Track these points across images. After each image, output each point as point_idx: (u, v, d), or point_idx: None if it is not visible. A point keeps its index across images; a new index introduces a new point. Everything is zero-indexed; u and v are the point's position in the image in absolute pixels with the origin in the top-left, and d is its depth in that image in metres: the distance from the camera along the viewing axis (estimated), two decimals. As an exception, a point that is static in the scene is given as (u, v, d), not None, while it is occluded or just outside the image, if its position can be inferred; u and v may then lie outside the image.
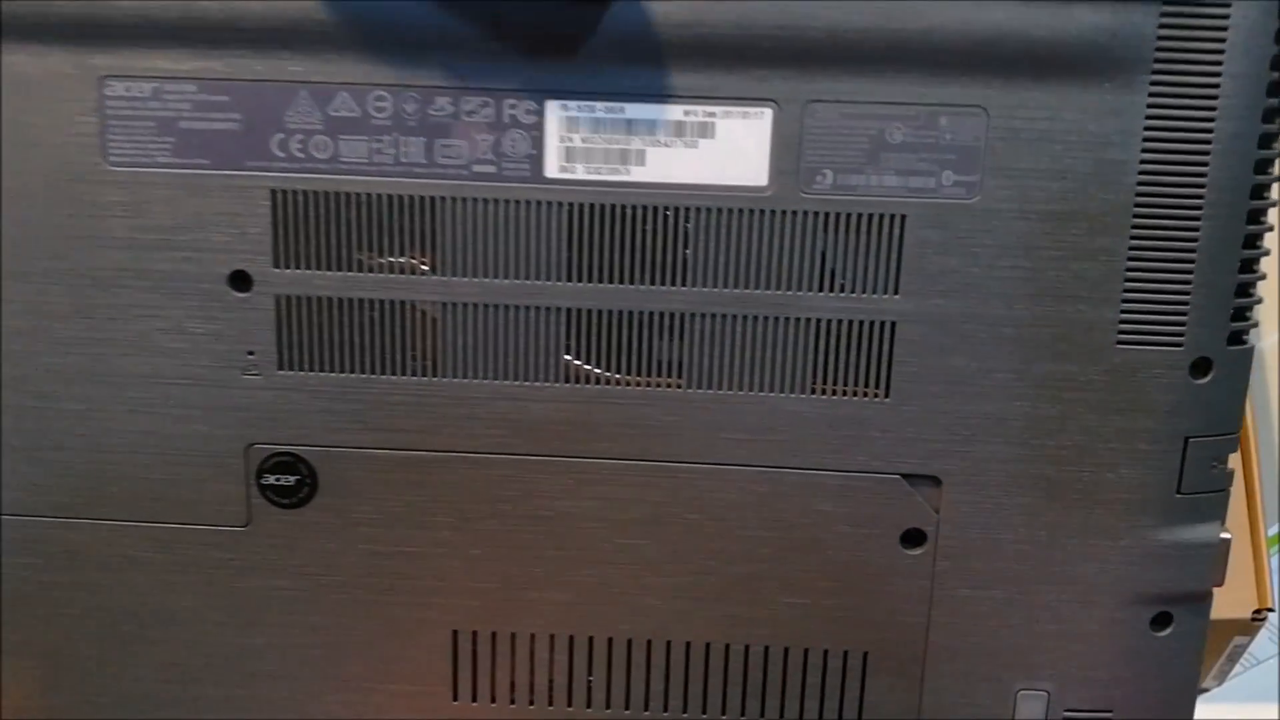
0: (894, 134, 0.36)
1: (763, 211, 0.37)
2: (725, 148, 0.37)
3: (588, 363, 0.39)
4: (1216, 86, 0.36)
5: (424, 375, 0.39)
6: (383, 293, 0.38)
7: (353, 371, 0.39)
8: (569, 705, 0.42)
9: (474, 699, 0.42)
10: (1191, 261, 0.37)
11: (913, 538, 0.40)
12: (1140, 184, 0.36)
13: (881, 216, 0.37)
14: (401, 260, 0.38)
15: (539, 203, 0.37)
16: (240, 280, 0.39)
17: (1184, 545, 0.39)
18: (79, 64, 0.37)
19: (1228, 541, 0.40)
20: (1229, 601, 0.50)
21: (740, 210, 0.37)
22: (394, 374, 0.39)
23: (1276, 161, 0.37)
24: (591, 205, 0.37)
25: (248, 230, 0.38)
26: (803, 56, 0.36)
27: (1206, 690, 0.59)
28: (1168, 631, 0.40)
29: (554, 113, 0.37)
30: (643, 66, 0.36)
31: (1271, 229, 0.38)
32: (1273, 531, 0.54)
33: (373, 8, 0.36)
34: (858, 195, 0.37)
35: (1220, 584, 0.40)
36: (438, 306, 0.38)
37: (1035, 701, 0.41)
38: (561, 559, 0.41)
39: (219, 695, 0.42)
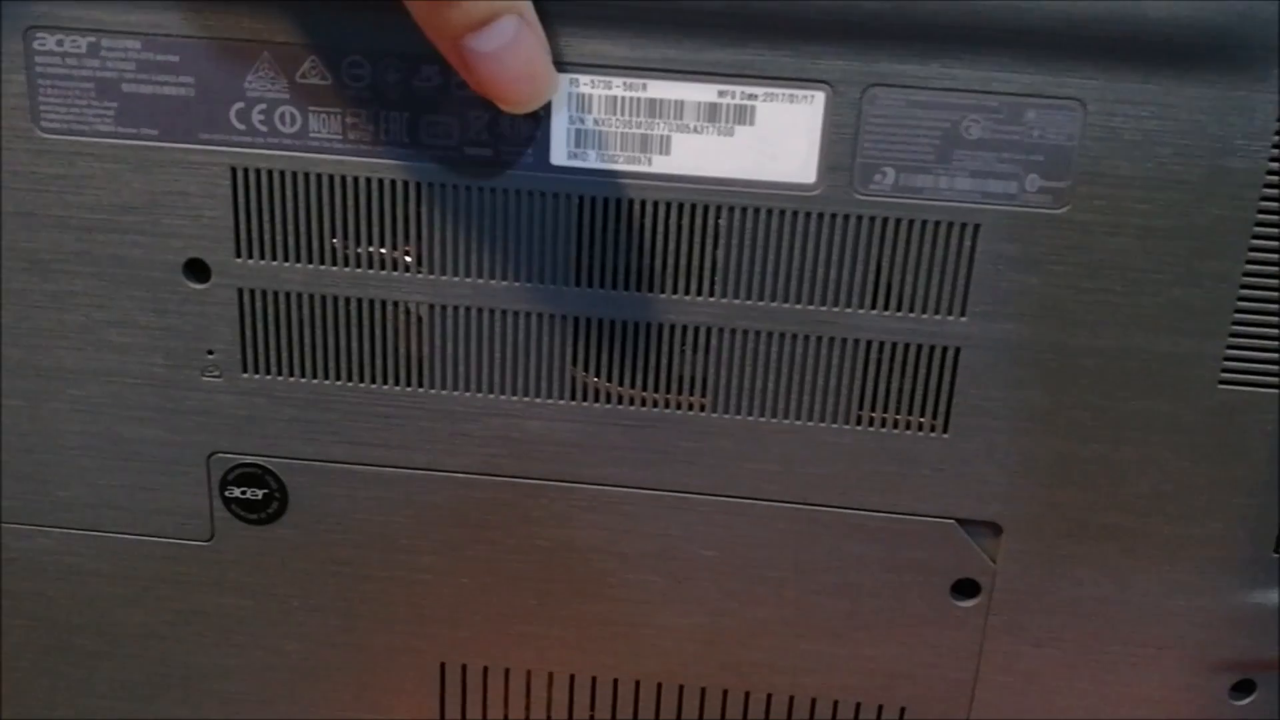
0: (970, 128, 0.30)
1: (809, 214, 0.31)
2: (767, 137, 0.31)
3: (596, 377, 0.34)
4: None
5: (407, 385, 0.34)
6: (360, 290, 0.33)
7: (325, 378, 0.34)
8: (567, 746, 0.38)
9: (462, 735, 0.38)
10: (1316, 292, 0.31)
11: (965, 588, 0.35)
12: (1265, 198, 0.30)
13: (950, 225, 0.31)
14: (382, 252, 0.33)
15: (542, 194, 0.32)
16: (197, 269, 0.33)
17: (1276, 609, 0.34)
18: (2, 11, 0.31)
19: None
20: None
21: (782, 211, 0.31)
22: (373, 382, 0.34)
23: None
24: (605, 199, 0.32)
25: (203, 213, 0.33)
26: (863, 31, 0.30)
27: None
28: (1249, 700, 0.36)
29: (562, 88, 0.31)
30: (670, 35, 0.30)
31: None
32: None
33: (348, -44, 0.30)
34: (923, 199, 0.31)
35: (1313, 650, 0.35)
36: (424, 308, 0.33)
37: (1093, 770, 0.36)
38: (559, 592, 0.36)
39: (179, 717, 0.39)
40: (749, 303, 0.32)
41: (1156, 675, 0.35)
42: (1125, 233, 0.31)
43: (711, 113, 0.31)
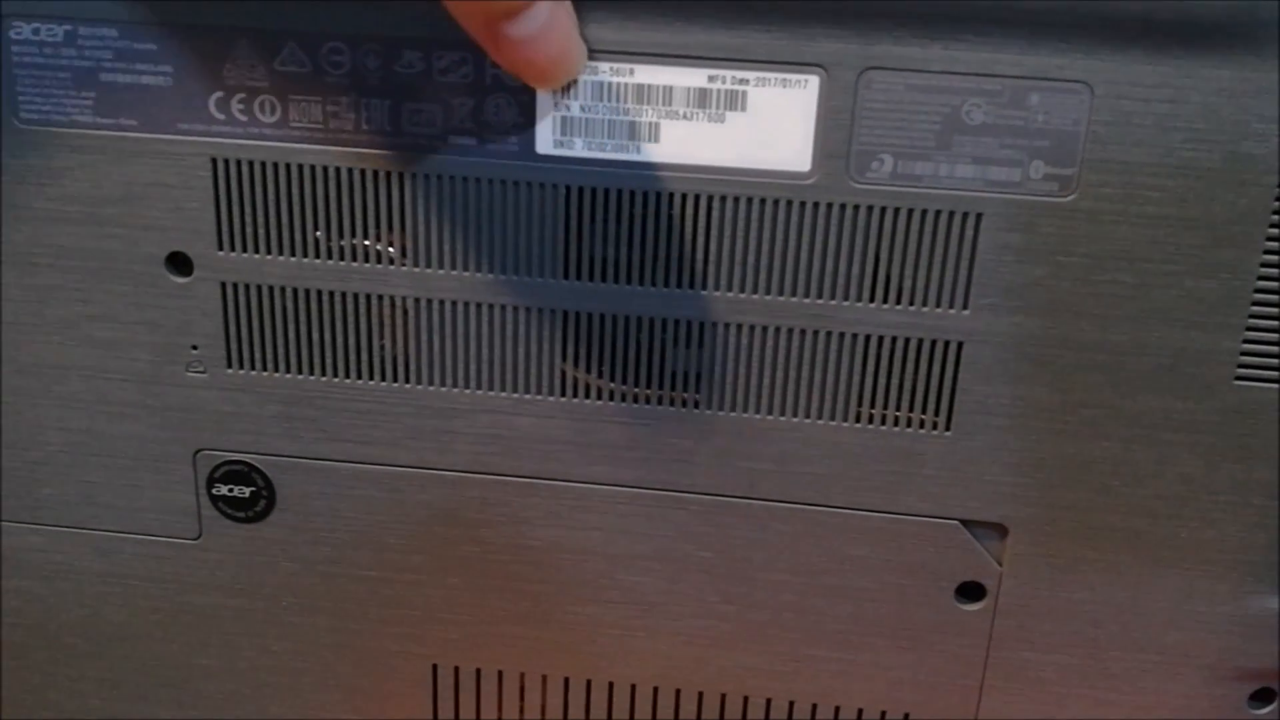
0: (972, 113, 0.29)
1: (803, 203, 0.30)
2: (759, 123, 0.30)
3: (587, 373, 0.33)
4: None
5: (394, 380, 0.33)
6: (344, 284, 0.32)
7: (311, 373, 0.33)
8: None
9: (454, 738, 0.37)
10: (1338, 283, 0.30)
11: (970, 592, 0.34)
12: (1283, 186, 0.29)
13: (952, 214, 0.30)
14: (367, 245, 0.32)
15: (529, 184, 0.31)
16: (179, 263, 0.33)
17: (1297, 614, 0.33)
18: (-24, 0, 0.31)
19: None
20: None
21: (776, 200, 0.30)
22: (359, 378, 0.33)
23: None
24: (593, 189, 0.31)
25: (184, 205, 0.32)
26: (859, 11, 0.29)
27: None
28: (1268, 709, 0.34)
29: (548, 74, 0.30)
30: (657, 17, 0.29)
31: None
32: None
33: (326, -62, 0.29)
34: (923, 187, 0.30)
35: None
36: (410, 301, 0.32)
37: (1103, 779, 0.35)
38: (551, 593, 0.35)
39: (168, 717, 0.38)
40: (743, 295, 0.31)
41: (1170, 683, 0.34)
42: (1135, 222, 0.29)
43: (701, 98, 0.30)
